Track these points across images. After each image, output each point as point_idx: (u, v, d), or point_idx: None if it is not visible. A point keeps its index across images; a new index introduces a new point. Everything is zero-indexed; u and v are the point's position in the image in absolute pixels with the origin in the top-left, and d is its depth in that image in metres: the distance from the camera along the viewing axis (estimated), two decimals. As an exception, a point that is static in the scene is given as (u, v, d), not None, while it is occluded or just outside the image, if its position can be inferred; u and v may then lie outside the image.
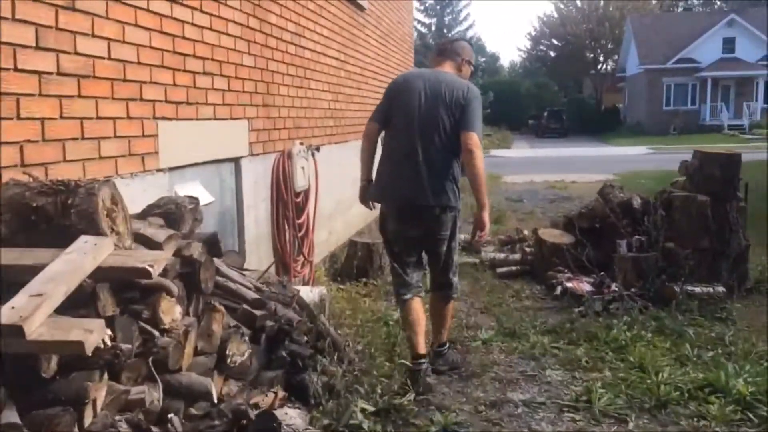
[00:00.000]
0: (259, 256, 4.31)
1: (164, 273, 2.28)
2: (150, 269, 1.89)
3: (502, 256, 6.44)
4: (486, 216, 3.60)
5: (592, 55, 49.10)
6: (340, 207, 6.45)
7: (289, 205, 4.58)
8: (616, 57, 47.29)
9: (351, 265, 5.94)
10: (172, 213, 2.39)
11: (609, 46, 47.65)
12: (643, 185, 14.39)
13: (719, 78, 35.57)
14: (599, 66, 49.78)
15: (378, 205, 3.89)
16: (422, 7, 48.79)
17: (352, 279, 5.81)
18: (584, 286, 5.14)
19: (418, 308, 3.66)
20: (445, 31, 46.83)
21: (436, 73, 3.65)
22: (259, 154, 4.33)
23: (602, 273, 5.30)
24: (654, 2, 50.08)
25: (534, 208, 11.35)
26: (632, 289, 4.91)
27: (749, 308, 4.96)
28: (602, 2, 46.59)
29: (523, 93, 45.87)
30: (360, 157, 3.82)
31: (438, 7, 48.86)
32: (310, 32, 5.34)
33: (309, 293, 4.26)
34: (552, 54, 51.14)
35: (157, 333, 2.28)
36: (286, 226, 4.60)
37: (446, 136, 3.50)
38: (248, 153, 4.15)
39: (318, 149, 5.38)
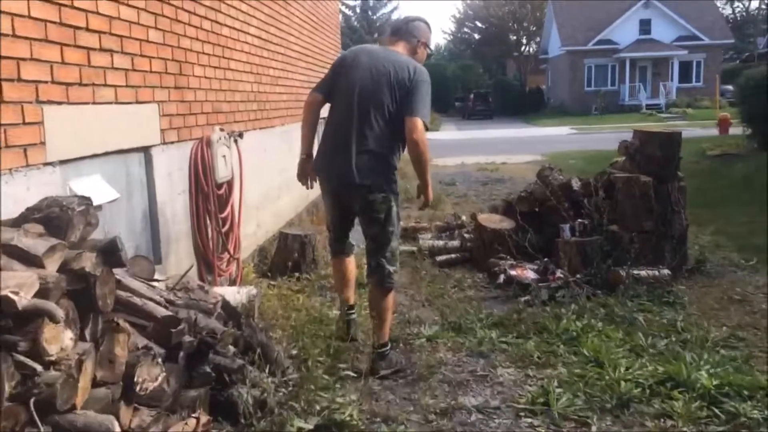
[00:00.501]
0: (178, 256, 3.85)
1: (46, 293, 1.83)
2: (13, 298, 1.45)
3: (440, 243, 6.17)
4: (429, 190, 3.71)
5: (515, 37, 49.79)
6: (269, 197, 6.00)
7: (210, 197, 4.12)
8: (538, 39, 48.13)
9: (282, 259, 5.52)
10: (55, 217, 1.93)
11: (531, 28, 48.43)
12: (572, 165, 14.52)
13: (637, 59, 36.65)
14: (522, 48, 50.58)
15: (317, 185, 3.81)
16: (346, -11, 48.11)
17: (284, 274, 5.40)
18: (528, 273, 4.93)
19: (350, 265, 3.87)
20: (369, 13, 46.36)
21: (386, 52, 3.54)
22: (173, 142, 3.85)
23: (546, 259, 5.10)
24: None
25: (467, 191, 11.18)
26: (578, 275, 4.73)
27: (694, 290, 4.86)
28: (524, -16, 47.19)
29: (449, 75, 46.04)
30: (300, 130, 3.70)
31: (362, -11, 48.29)
32: (227, 6, 4.84)
33: (236, 295, 3.84)
34: (476, 36, 51.60)
35: (40, 367, 1.85)
36: (208, 221, 4.15)
37: (387, 118, 3.38)
38: (160, 141, 3.67)
39: (241, 135, 4.92)
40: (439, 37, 69.67)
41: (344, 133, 3.43)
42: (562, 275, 4.71)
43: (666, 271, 4.72)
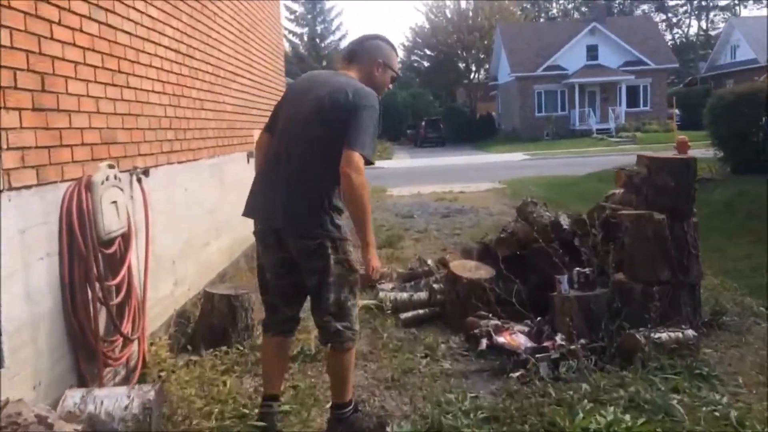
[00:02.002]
0: (35, 349, 2.68)
1: None
2: None
3: (405, 296, 5.10)
4: (372, 256, 2.88)
5: (464, 65, 49.85)
6: (192, 245, 4.85)
7: (91, 259, 2.96)
8: (487, 66, 48.22)
9: (207, 326, 4.38)
10: None
11: (480, 55, 48.56)
12: (534, 193, 13.76)
13: (585, 84, 36.80)
14: (472, 75, 50.63)
15: None
16: (293, 17, 47.26)
17: (210, 346, 4.26)
18: (519, 339, 3.90)
19: (276, 347, 3.14)
20: (317, 41, 45.55)
21: (329, 76, 3.06)
22: (29, 186, 2.70)
23: (539, 319, 4.10)
24: (519, 13, 51.69)
25: (427, 224, 10.19)
26: (582, 341, 3.73)
27: (722, 352, 3.92)
28: (471, 13, 47.33)
29: (400, 103, 45.62)
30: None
31: (309, 17, 47.48)
32: (126, 7, 3.75)
33: (124, 401, 2.70)
34: (426, 64, 51.45)
35: None
36: (89, 293, 2.99)
37: (321, 151, 2.82)
38: (5, 186, 2.52)
39: (146, 173, 3.79)
40: (388, 65, 69.42)
41: (273, 170, 2.93)
42: (562, 342, 3.70)
43: (691, 332, 3.76)
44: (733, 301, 4.90)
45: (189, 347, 4.27)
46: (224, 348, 4.17)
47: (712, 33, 55.59)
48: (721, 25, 52.11)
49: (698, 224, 4.31)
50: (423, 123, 40.87)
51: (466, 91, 51.20)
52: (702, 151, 18.07)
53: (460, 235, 9.00)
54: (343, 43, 51.26)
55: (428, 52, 50.50)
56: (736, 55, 40.27)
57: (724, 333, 4.26)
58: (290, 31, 47.64)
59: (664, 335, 3.69)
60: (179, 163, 4.66)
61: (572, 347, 3.65)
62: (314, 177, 2.81)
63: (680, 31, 58.73)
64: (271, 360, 3.16)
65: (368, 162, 2.74)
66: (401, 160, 28.97)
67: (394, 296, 5.10)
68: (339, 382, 3.04)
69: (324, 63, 45.49)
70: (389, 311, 4.91)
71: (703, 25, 59.04)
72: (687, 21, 66.08)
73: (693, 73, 47.46)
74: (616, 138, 32.79)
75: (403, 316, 4.82)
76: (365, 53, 3.06)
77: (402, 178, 19.20)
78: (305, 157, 2.82)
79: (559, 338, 3.74)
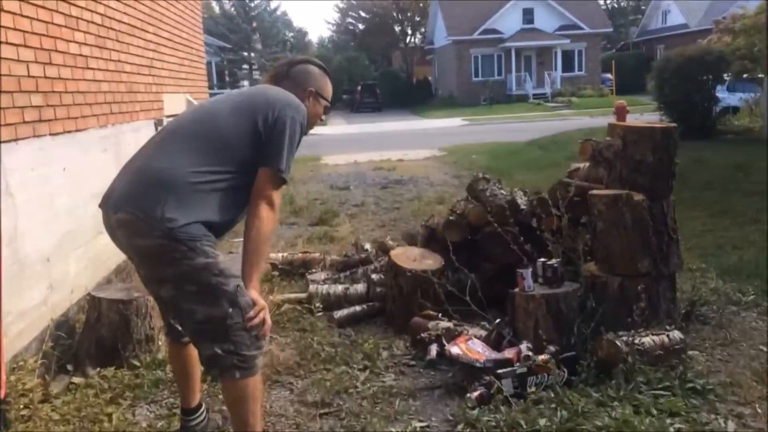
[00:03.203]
0: None
1: None
2: None
3: (339, 289, 4.36)
4: (254, 295, 2.27)
5: (400, 28, 48.80)
6: (75, 238, 3.95)
7: None
8: (423, 30, 47.33)
9: (93, 339, 3.53)
10: None
11: (416, 18, 47.59)
12: (477, 162, 13.19)
13: (521, 48, 36.48)
14: (408, 39, 49.64)
15: None
16: (220, -24, 44.85)
17: (98, 363, 3.43)
18: (475, 345, 3.23)
19: (176, 354, 2.63)
20: (246, 0, 43.39)
21: (265, 87, 2.55)
22: None
23: (498, 321, 3.44)
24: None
25: (365, 197, 9.46)
26: (550, 348, 3.10)
27: (708, 353, 3.37)
28: (406, -27, 46.18)
29: (335, 67, 44.15)
30: None
31: (238, -25, 45.23)
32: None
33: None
34: (361, 26, 50.14)
35: None
36: None
37: (222, 157, 2.27)
38: None
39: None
40: (323, 29, 67.06)
41: (145, 157, 2.34)
42: (528, 351, 3.05)
43: (677, 335, 3.18)
44: (705, 286, 4.38)
45: (69, 368, 3.43)
46: (112, 369, 3.35)
47: (643, -2, 56.28)
48: (652, -10, 52.72)
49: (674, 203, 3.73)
50: (359, 88, 39.83)
51: (402, 55, 50.16)
52: (636, 115, 17.99)
53: (399, 209, 8.32)
54: (274, 4, 49.33)
55: (363, 15, 49.13)
56: (667, 20, 40.73)
57: (705, 328, 3.72)
58: (218, -10, 45.44)
59: (647, 339, 3.09)
60: (53, 135, 3.72)
61: (541, 358, 3.00)
62: (202, 183, 2.23)
63: (612, -4, 59.21)
64: (177, 369, 2.68)
65: (281, 180, 2.31)
66: (337, 126, 27.99)
67: (327, 290, 4.35)
68: (237, 420, 2.36)
69: (254, 24, 43.57)
70: (320, 308, 4.17)
71: (634, -10, 59.69)
72: (618, -14, 66.80)
73: (624, 39, 47.92)
74: (552, 103, 32.75)
75: (338, 314, 4.09)
76: (293, 80, 2.56)
77: (338, 146, 18.35)
78: (202, 161, 2.25)
79: (524, 346, 3.08)
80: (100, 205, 2.28)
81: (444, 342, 3.38)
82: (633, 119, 17.41)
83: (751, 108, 11.89)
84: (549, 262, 3.34)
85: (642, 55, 39.69)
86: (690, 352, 3.29)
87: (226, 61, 41.55)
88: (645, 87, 35.98)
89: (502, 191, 4.23)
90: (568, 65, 37.01)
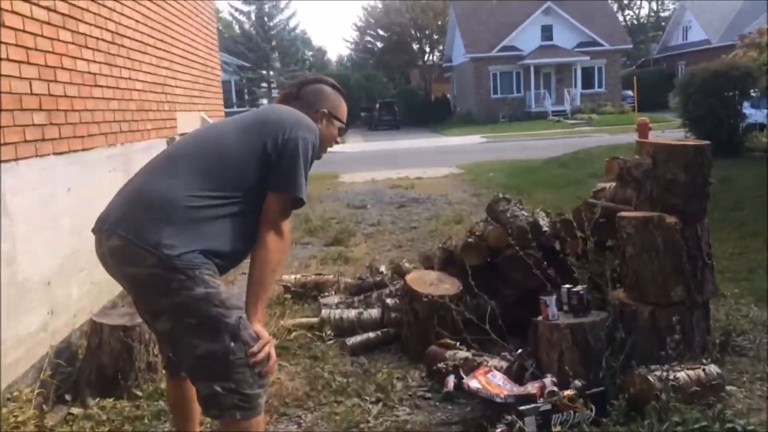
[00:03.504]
0: None
1: None
2: None
3: (352, 314, 4.17)
4: (258, 329, 2.09)
5: (418, 46, 48.84)
6: (78, 262, 3.82)
7: None
8: (441, 47, 47.35)
9: (94, 367, 3.38)
10: None
11: (434, 36, 47.62)
12: (494, 179, 12.98)
13: (540, 65, 36.27)
14: (426, 56, 49.65)
15: None
16: (240, -5, 45.23)
17: (99, 393, 3.28)
18: (495, 379, 3.03)
19: (174, 388, 2.39)
20: (266, 19, 43.67)
21: (275, 107, 2.41)
22: None
23: (520, 351, 3.23)
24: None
25: (381, 215, 9.30)
26: (576, 382, 2.88)
27: (747, 389, 3.13)
28: (424, -8, 46.32)
29: (353, 85, 44.30)
30: None
31: (256, -5, 45.61)
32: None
33: None
34: (379, 45, 50.31)
35: None
36: None
37: (226, 181, 2.10)
38: None
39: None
40: (341, 47, 67.43)
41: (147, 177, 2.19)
42: (553, 386, 2.84)
43: (714, 369, 2.95)
44: (739, 313, 4.13)
45: (68, 398, 3.28)
46: (111, 400, 3.19)
47: (663, 14, 55.92)
48: (672, 6, 52.46)
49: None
50: (377, 105, 39.81)
51: (420, 73, 50.18)
52: (657, 132, 17.67)
53: (417, 228, 8.14)
54: (293, 22, 49.66)
55: (381, 33, 49.27)
56: (688, 36, 40.34)
57: (742, 360, 3.47)
58: (237, 9, 45.83)
59: (681, 375, 2.86)
60: (57, 154, 3.61)
61: (566, 393, 2.79)
62: (207, 208, 2.08)
63: (632, 13, 58.88)
64: (175, 405, 2.47)
65: (294, 204, 2.17)
66: (355, 144, 27.94)
67: (339, 314, 4.17)
68: None
69: (273, 43, 43.85)
70: (332, 336, 3.98)
71: (654, 6, 59.45)
72: (638, 2, 66.66)
73: (645, 55, 47.57)
74: (571, 120, 32.42)
75: (350, 341, 3.90)
76: (305, 100, 2.39)
77: (355, 163, 18.26)
78: (208, 187, 2.09)
79: (548, 381, 2.87)
80: (94, 230, 2.13)
81: (462, 374, 3.19)
82: (655, 136, 17.16)
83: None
84: (574, 289, 3.13)
85: (663, 72, 39.32)
86: (728, 388, 3.05)
87: (245, 79, 41.82)
88: (666, 104, 35.74)
89: (524, 212, 4.04)
90: (587, 82, 36.71)
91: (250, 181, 2.10)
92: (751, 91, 10.44)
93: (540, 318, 3.14)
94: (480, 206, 9.76)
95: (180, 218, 2.00)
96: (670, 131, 19.34)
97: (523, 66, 36.46)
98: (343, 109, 2.48)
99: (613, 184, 3.80)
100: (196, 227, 2.02)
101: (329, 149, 2.49)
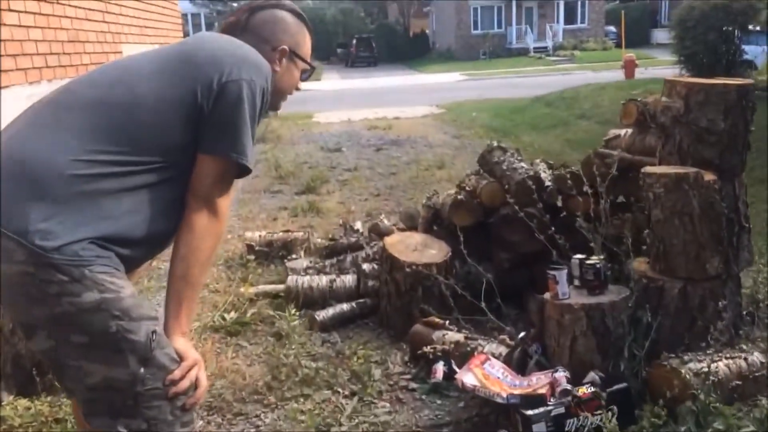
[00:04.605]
0: None
1: None
2: None
3: (324, 282, 3.60)
4: (181, 345, 1.51)
5: (396, -22, 46.99)
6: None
7: None
8: (420, -21, 45.62)
9: (10, 355, 2.79)
10: None
11: (413, -33, 45.78)
12: (477, 120, 12.33)
13: (523, -1, 35.08)
14: (404, -11, 47.86)
15: None
16: None
17: (17, 387, 2.72)
18: (494, 371, 2.50)
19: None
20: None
21: (211, 36, 1.71)
22: None
23: (523, 334, 2.69)
24: None
25: (358, 159, 8.67)
26: (593, 375, 2.37)
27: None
28: None
29: (329, 20, 42.84)
30: None
31: None
32: None
33: None
34: (356, -23, 48.33)
35: None
36: None
37: (137, 139, 1.46)
38: None
39: None
40: (315, -22, 64.66)
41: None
42: (567, 383, 2.32)
43: (757, 357, 2.44)
44: (760, 275, 3.64)
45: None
46: (32, 396, 2.63)
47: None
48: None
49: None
50: (354, 41, 38.45)
51: (399, 8, 48.39)
52: (641, 70, 17.02)
53: (396, 174, 7.55)
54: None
55: (358, -36, 47.30)
56: (674, -31, 39.16)
57: (773, 335, 2.99)
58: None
59: (721, 364, 2.35)
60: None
61: (582, 392, 2.27)
62: (106, 181, 1.47)
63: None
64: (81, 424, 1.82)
65: (240, 169, 1.55)
66: (331, 81, 26.89)
67: (308, 282, 3.60)
68: None
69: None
70: (298, 307, 3.43)
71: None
72: (622, -66, 64.51)
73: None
74: (553, 57, 31.54)
75: (321, 315, 3.35)
76: (256, 33, 1.71)
77: (331, 102, 17.42)
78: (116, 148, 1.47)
79: (560, 375, 2.35)
80: None
81: (452, 361, 2.66)
82: (638, 74, 16.51)
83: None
84: (589, 261, 2.58)
85: (647, 7, 38.29)
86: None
87: (215, 12, 39.89)
88: (649, 40, 34.83)
89: (523, 164, 3.45)
90: (570, 17, 35.63)
91: (172, 141, 1.49)
92: (750, 25, 9.81)
93: (547, 295, 2.60)
94: (462, 149, 9.18)
95: (62, 193, 1.38)
96: (652, 69, 18.74)
97: (505, 0, 35.19)
98: (307, 45, 1.78)
99: (629, 131, 3.22)
100: (87, 205, 1.41)
101: (287, 97, 1.84)
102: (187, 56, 1.56)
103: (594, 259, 2.60)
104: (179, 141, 1.49)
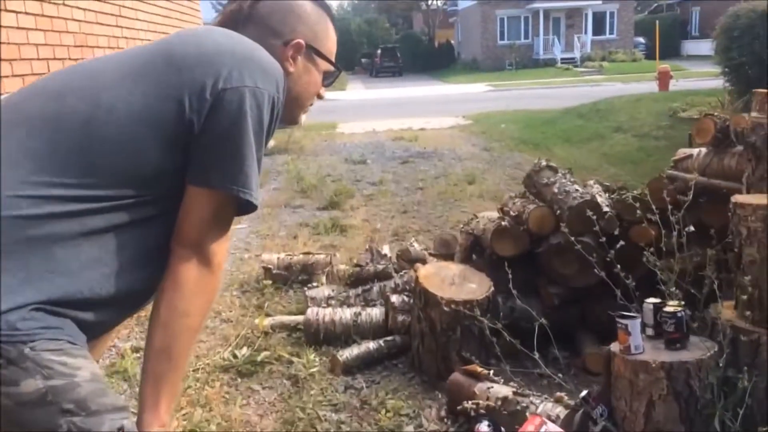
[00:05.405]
0: None
1: None
2: None
3: (347, 315, 3.20)
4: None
5: (421, -12, 46.83)
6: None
7: None
8: (446, -10, 45.43)
9: None
10: None
11: (438, -23, 45.62)
12: (506, 132, 11.88)
13: (550, 9, 34.51)
14: (430, 0, 47.68)
15: None
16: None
17: None
18: (553, 438, 2.08)
19: None
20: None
21: (204, 31, 1.30)
22: None
23: (585, 393, 2.26)
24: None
25: (383, 172, 8.28)
26: (675, 450, 1.93)
27: None
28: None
29: (354, 30, 42.82)
30: None
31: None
32: None
33: None
34: (381, -13, 48.28)
35: None
36: None
37: (102, 167, 1.09)
38: None
39: None
40: (341, -11, 64.77)
41: None
42: (645, 461, 1.89)
43: None
44: None
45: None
46: None
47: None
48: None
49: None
50: (378, 51, 38.32)
51: (424, 18, 48.24)
52: (674, 81, 16.43)
53: (423, 189, 7.15)
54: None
55: (383, -25, 47.23)
56: (705, -20, 38.39)
57: None
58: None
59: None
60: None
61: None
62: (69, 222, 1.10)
63: (645, -44, 56.37)
64: None
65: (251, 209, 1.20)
66: (355, 91, 26.65)
67: (330, 315, 3.21)
68: None
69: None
70: (318, 342, 3.03)
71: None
72: (651, -55, 63.74)
73: (657, 1, 45.54)
74: (581, 68, 30.98)
75: (344, 355, 2.94)
76: (263, 23, 1.31)
77: (355, 112, 17.11)
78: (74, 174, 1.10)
79: (636, 451, 1.92)
80: None
81: (497, 423, 2.24)
82: (671, 86, 15.93)
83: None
84: (668, 309, 2.15)
85: (677, 18, 37.59)
86: None
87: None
88: (680, 52, 34.09)
89: (576, 186, 3.02)
90: (599, 28, 35.02)
91: (148, 168, 1.11)
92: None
93: (615, 347, 2.17)
94: (493, 163, 8.75)
95: (2, 242, 1.01)
96: (683, 81, 18.16)
97: (532, 10, 34.71)
98: (330, 39, 1.37)
99: (703, 150, 2.78)
100: (34, 256, 1.03)
101: (308, 109, 1.43)
102: (170, 56, 1.17)
103: (674, 305, 2.17)
104: (158, 168, 1.11)
